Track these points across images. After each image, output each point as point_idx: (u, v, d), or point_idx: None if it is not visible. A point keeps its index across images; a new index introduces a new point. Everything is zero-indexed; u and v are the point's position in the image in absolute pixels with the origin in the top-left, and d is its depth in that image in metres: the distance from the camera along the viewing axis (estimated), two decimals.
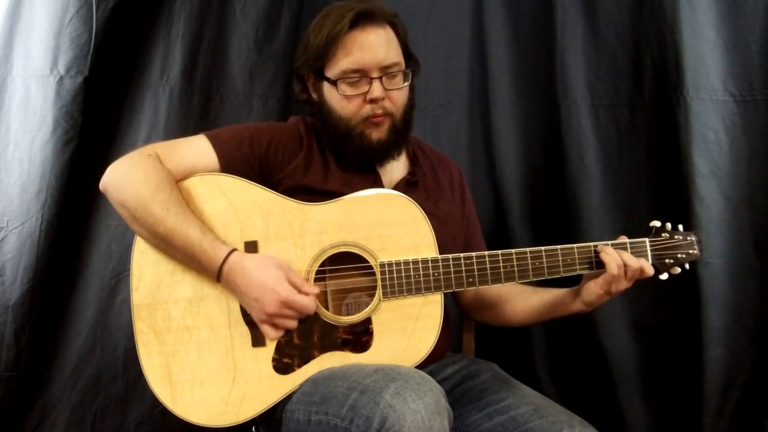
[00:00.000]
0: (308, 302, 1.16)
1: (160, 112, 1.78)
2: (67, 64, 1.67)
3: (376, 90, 1.28)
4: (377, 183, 1.36)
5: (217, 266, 1.16)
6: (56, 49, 1.67)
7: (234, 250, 1.18)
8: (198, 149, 1.28)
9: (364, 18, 1.28)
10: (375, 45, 1.28)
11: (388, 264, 1.24)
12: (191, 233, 1.16)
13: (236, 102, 1.87)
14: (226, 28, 1.85)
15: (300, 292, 1.16)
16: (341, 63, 1.28)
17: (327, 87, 1.32)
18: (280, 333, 1.19)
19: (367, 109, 1.30)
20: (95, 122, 1.71)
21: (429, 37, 1.92)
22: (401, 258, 1.24)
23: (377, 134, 1.32)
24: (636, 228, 1.34)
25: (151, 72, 1.79)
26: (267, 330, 1.18)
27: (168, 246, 1.19)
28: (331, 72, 1.30)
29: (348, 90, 1.29)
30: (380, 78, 1.28)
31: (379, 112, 1.30)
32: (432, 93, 1.93)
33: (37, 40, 1.68)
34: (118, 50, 1.73)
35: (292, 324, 1.18)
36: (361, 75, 1.28)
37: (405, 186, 1.38)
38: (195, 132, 1.35)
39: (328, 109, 1.33)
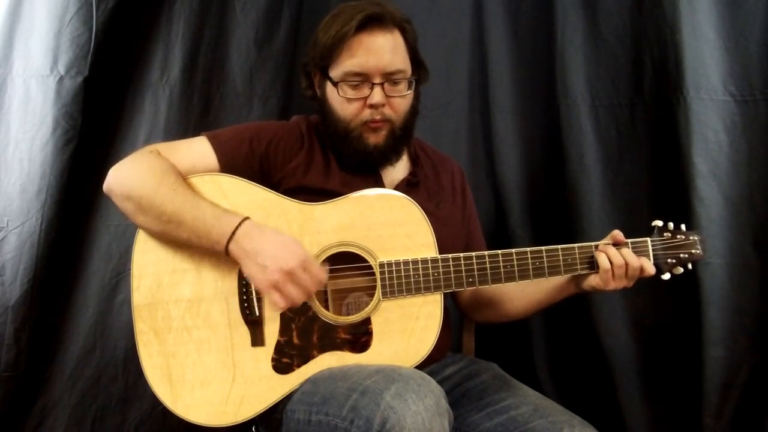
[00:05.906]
0: (323, 273, 1.16)
1: (160, 112, 1.78)
2: (67, 64, 1.67)
3: (377, 96, 1.27)
4: (378, 183, 1.36)
5: (230, 232, 1.14)
6: (56, 49, 1.67)
7: (248, 217, 1.17)
8: (198, 150, 1.28)
9: (372, 21, 1.26)
10: (380, 50, 1.26)
11: (387, 264, 1.24)
12: (201, 205, 1.17)
13: (236, 102, 1.87)
14: (226, 28, 1.85)
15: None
16: (344, 65, 1.27)
17: (329, 87, 1.31)
18: (285, 303, 1.12)
19: (367, 113, 1.29)
20: (95, 122, 1.71)
21: (429, 37, 1.91)
22: (401, 258, 1.24)
23: (374, 139, 1.31)
24: (636, 228, 1.34)
25: (151, 72, 1.79)
26: (275, 298, 1.12)
27: (176, 225, 1.17)
28: (334, 72, 1.29)
29: (349, 92, 1.28)
30: (382, 84, 1.27)
31: (378, 117, 1.29)
32: (432, 93, 1.93)
33: (37, 40, 1.68)
34: (118, 50, 1.73)
35: (300, 296, 1.13)
36: (363, 79, 1.27)
37: (406, 186, 1.38)
38: (195, 132, 1.35)
39: (329, 109, 1.33)
